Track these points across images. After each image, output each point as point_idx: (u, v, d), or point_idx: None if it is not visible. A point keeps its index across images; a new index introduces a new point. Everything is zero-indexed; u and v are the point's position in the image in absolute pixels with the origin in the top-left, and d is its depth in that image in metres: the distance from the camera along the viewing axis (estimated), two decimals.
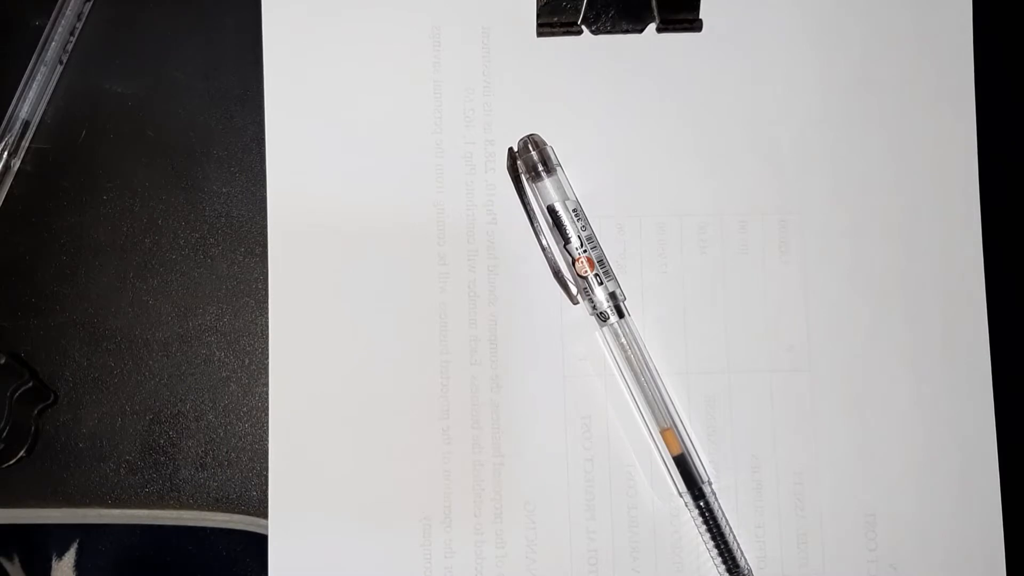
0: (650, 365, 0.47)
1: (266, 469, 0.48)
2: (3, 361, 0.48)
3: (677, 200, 0.49)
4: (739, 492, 0.48)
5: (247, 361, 0.49)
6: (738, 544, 0.47)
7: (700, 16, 0.49)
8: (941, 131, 0.49)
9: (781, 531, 0.48)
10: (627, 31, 0.49)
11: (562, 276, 0.47)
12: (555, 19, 0.49)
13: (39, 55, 0.49)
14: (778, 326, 0.48)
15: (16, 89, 0.49)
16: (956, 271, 0.48)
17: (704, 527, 0.46)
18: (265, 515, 0.48)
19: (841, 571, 0.47)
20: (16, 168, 0.49)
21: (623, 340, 0.47)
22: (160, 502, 0.49)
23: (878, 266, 0.48)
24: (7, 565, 0.50)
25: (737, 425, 0.48)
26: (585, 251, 0.47)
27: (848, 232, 0.49)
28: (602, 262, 0.47)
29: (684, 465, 0.46)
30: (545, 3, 0.49)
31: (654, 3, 0.48)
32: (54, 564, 0.51)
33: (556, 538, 0.47)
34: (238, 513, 0.49)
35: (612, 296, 0.47)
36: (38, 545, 0.51)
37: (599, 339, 0.48)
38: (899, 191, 0.49)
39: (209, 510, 0.49)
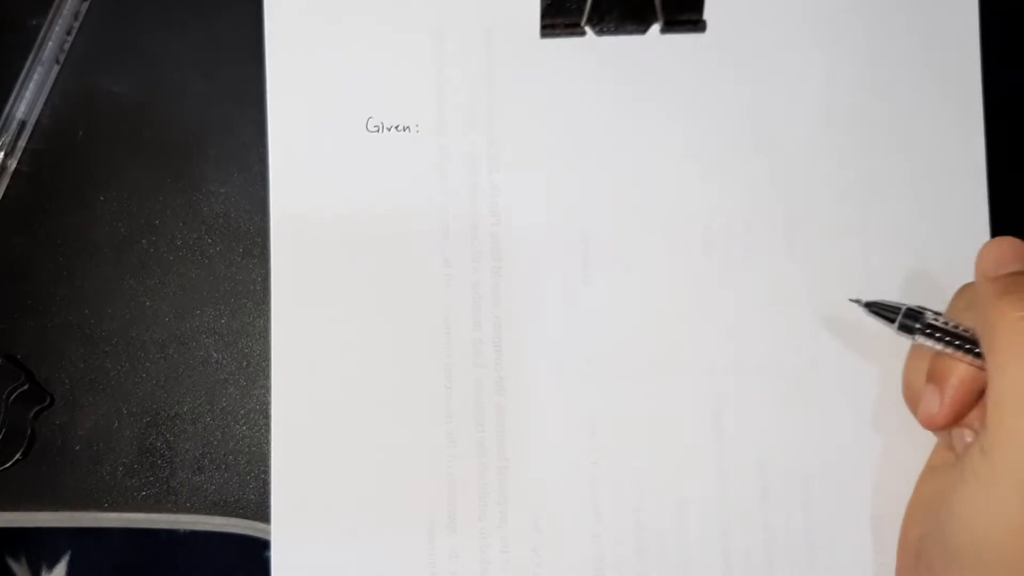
0: None
1: (264, 472, 0.48)
2: None
3: (682, 200, 0.49)
4: (746, 494, 0.48)
5: (245, 363, 0.49)
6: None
7: (704, 16, 0.49)
8: (948, 131, 0.49)
9: (788, 533, 0.48)
10: (631, 32, 0.49)
11: None
12: (559, 20, 0.49)
13: (36, 55, 0.49)
14: (784, 327, 0.48)
15: (12, 89, 0.49)
16: (964, 272, 0.48)
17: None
18: (262, 518, 0.48)
19: (847, 573, 0.47)
20: (12, 168, 0.49)
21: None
22: (157, 505, 0.48)
23: (884, 267, 0.48)
24: (14, 565, 0.50)
25: (744, 426, 0.48)
26: None
27: (854, 232, 0.49)
28: None
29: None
30: (549, 4, 0.49)
31: (658, 3, 0.48)
32: (48, 567, 0.51)
33: (562, 542, 0.47)
34: (235, 516, 0.48)
35: None
36: (34, 547, 0.51)
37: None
38: (905, 191, 0.49)
39: (206, 513, 0.48)
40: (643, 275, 0.49)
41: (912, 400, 0.45)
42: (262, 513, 0.48)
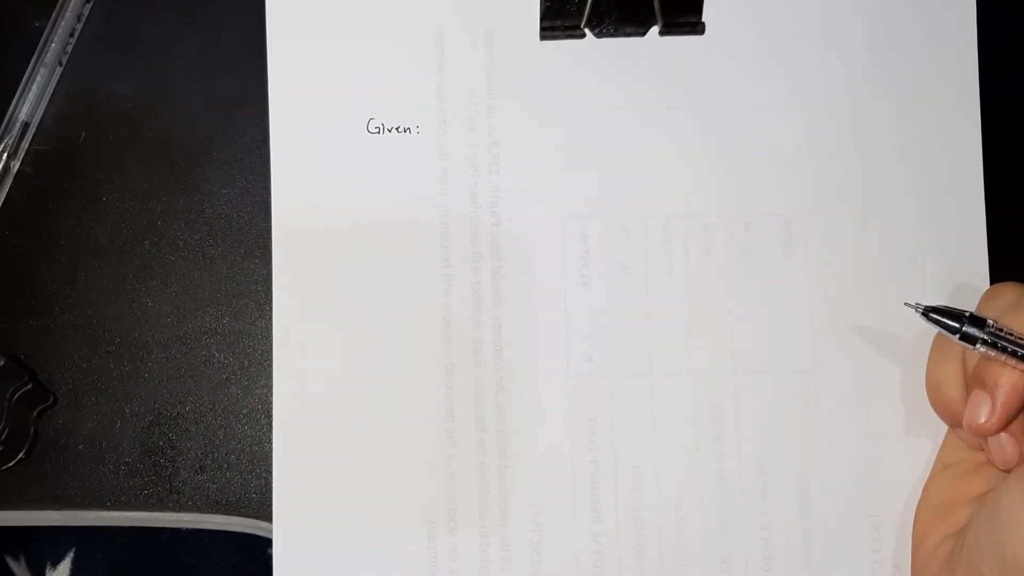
0: None
1: (266, 471, 0.48)
2: (2, 363, 0.48)
3: (681, 202, 0.49)
4: (744, 494, 0.48)
5: (247, 363, 0.49)
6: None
7: (703, 18, 0.49)
8: (945, 132, 0.49)
9: (786, 532, 0.48)
10: (630, 34, 0.49)
11: None
12: (558, 22, 0.49)
13: (39, 56, 0.49)
14: (783, 327, 0.48)
15: (16, 90, 0.49)
16: (961, 272, 0.48)
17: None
18: (265, 517, 0.48)
19: (845, 572, 0.48)
20: (15, 170, 0.49)
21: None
22: (159, 504, 0.48)
23: (883, 267, 0.49)
24: (13, 565, 0.50)
25: (742, 427, 0.48)
26: None
27: (852, 233, 0.49)
28: None
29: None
30: (548, 6, 0.49)
31: (657, 6, 0.49)
32: (52, 566, 0.51)
33: (561, 540, 0.47)
34: (238, 515, 0.48)
35: None
36: (37, 546, 0.51)
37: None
38: (903, 192, 0.49)
39: (209, 512, 0.48)
40: (643, 275, 0.49)
41: (942, 404, 0.45)
42: (264, 512, 0.48)
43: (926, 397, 0.46)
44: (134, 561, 0.52)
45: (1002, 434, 0.42)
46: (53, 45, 0.49)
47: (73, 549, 0.51)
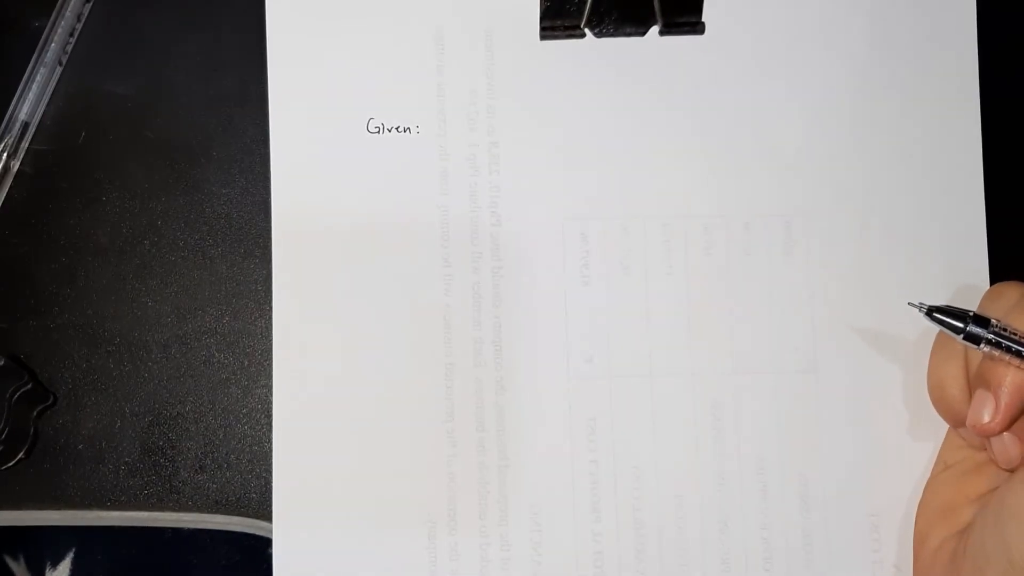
0: None
1: (266, 471, 0.48)
2: (2, 363, 0.48)
3: (681, 202, 0.49)
4: (744, 494, 0.48)
5: (247, 363, 0.49)
6: None
7: (703, 18, 0.49)
8: (945, 132, 0.49)
9: (786, 532, 0.48)
10: (630, 34, 0.49)
11: None
12: (558, 22, 0.49)
13: (39, 56, 0.49)
14: (783, 328, 0.48)
15: (15, 90, 0.49)
16: (961, 272, 0.48)
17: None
18: (265, 517, 0.48)
19: (845, 572, 0.48)
20: (15, 170, 0.49)
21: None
22: (159, 504, 0.48)
23: (883, 267, 0.49)
24: (13, 565, 0.50)
25: (743, 426, 0.48)
26: None
27: (852, 233, 0.49)
28: None
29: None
30: (548, 6, 0.49)
31: (657, 5, 0.49)
32: (51, 566, 0.51)
33: (561, 540, 0.47)
34: (238, 515, 0.48)
35: None
36: (37, 546, 0.51)
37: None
38: (903, 192, 0.49)
39: (209, 512, 0.48)
40: (643, 275, 0.49)
41: (944, 403, 0.45)
42: (264, 512, 0.48)
43: (927, 397, 0.46)
44: (134, 561, 0.52)
45: (1005, 434, 0.42)
46: (53, 45, 0.49)
47: (73, 549, 0.51)
